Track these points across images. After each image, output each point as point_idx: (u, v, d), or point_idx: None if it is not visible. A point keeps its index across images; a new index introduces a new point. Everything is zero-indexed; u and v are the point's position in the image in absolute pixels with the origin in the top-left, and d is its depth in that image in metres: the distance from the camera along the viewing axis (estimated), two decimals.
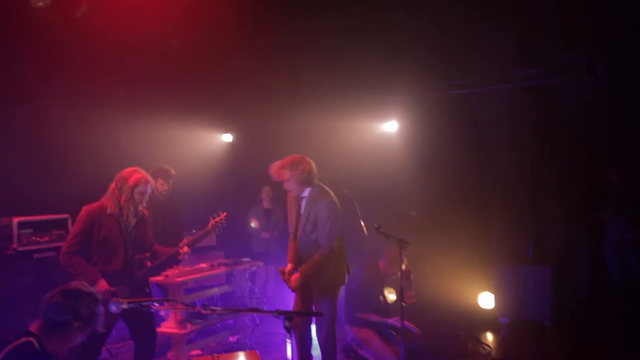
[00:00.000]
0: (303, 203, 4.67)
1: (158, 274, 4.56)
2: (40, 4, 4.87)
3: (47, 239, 5.06)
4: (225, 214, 4.78)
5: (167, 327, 5.35)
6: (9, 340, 2.44)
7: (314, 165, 4.67)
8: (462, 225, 6.87)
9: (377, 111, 7.62)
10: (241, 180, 8.11)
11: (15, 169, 5.55)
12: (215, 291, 6.09)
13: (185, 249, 4.48)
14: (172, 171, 5.87)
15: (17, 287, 4.69)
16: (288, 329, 2.38)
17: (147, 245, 4.36)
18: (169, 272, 5.29)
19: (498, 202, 7.03)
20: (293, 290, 4.48)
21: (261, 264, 6.51)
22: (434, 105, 7.32)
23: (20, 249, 4.79)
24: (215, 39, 6.25)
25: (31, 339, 2.44)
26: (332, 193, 4.69)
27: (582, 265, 6.67)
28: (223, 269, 5.82)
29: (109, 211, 4.06)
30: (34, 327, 2.52)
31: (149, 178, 4.21)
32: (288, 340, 2.39)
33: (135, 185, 4.10)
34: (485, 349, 5.86)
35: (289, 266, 4.65)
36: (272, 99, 7.62)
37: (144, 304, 2.43)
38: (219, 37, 6.23)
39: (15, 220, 4.86)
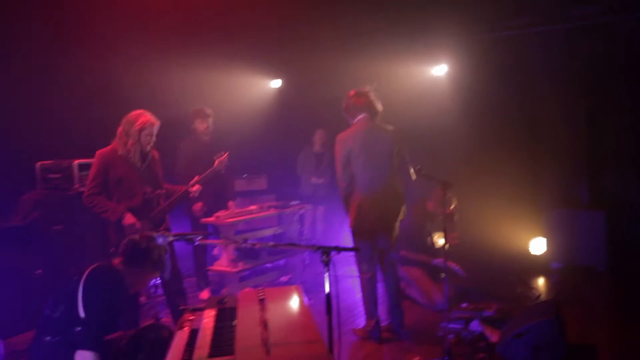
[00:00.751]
0: None
1: (171, 211, 4.72)
2: None
3: None
4: (227, 153, 4.89)
5: (220, 265, 5.59)
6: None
7: (353, 103, 4.76)
8: (513, 169, 6.72)
9: (426, 55, 7.40)
10: (289, 126, 8.16)
11: (73, 114, 5.80)
12: (266, 232, 6.26)
13: (196, 187, 4.61)
14: (207, 110, 5.92)
15: (80, 224, 4.97)
16: (326, 263, 2.45)
17: (161, 184, 4.53)
18: (220, 213, 5.47)
19: (551, 144, 6.78)
20: None
21: (309, 206, 6.62)
22: (486, 48, 7.02)
23: (81, 189, 5.03)
24: None
25: (114, 262, 2.67)
26: (353, 129, 4.67)
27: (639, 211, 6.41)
28: (273, 211, 5.96)
29: (119, 153, 4.23)
30: (115, 261, 2.74)
31: (155, 120, 4.30)
32: (326, 275, 2.44)
33: (142, 128, 4.22)
34: (534, 293, 5.81)
35: None
36: (321, 44, 7.52)
37: (188, 236, 2.54)
38: None
39: (76, 162, 5.09)
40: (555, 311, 4.05)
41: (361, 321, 4.93)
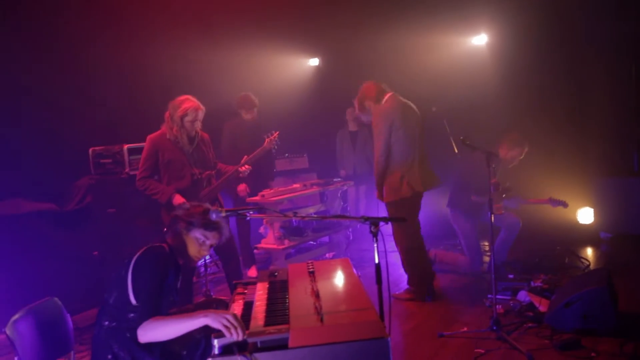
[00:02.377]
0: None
1: (222, 190, 4.85)
2: None
3: None
4: (277, 132, 4.98)
5: (267, 243, 5.73)
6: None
7: (375, 87, 4.84)
8: (560, 138, 6.58)
9: (465, 24, 7.27)
10: (328, 104, 8.18)
11: (122, 103, 5.99)
12: (309, 210, 6.36)
13: (246, 167, 4.69)
14: (255, 100, 5.97)
15: (132, 207, 5.16)
16: (374, 234, 2.50)
17: (211, 165, 4.64)
18: (265, 192, 5.59)
19: (599, 111, 6.58)
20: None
21: (352, 183, 6.66)
22: (527, 14, 6.83)
23: (132, 172, 5.22)
24: None
25: (164, 244, 2.76)
26: (391, 103, 4.75)
27: None
28: (315, 189, 6.04)
29: (167, 137, 4.37)
30: (169, 239, 2.84)
31: (199, 106, 4.37)
32: (375, 245, 2.50)
33: (184, 114, 4.31)
34: (583, 263, 5.74)
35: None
36: (358, 20, 7.50)
37: (240, 212, 2.62)
38: None
39: (126, 147, 5.27)
40: (606, 280, 4.02)
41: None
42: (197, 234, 2.78)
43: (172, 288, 2.80)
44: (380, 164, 4.70)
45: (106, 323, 2.60)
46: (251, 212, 2.63)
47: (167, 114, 4.41)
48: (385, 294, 2.43)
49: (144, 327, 2.40)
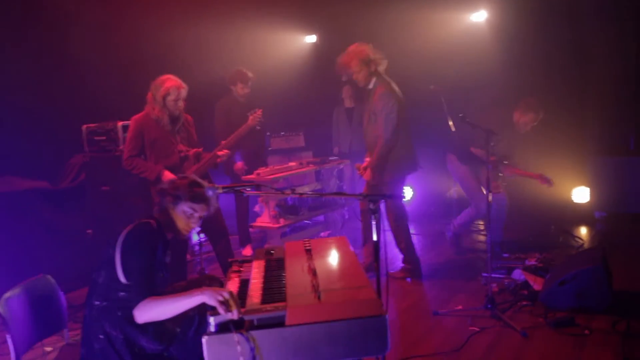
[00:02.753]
0: (369, 96, 4.81)
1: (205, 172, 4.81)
2: None
3: None
4: (260, 110, 4.91)
5: (262, 221, 5.71)
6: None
7: (374, 54, 4.73)
8: (557, 117, 6.51)
9: (463, 0, 7.17)
10: (325, 82, 8.09)
11: (115, 80, 5.90)
12: (305, 189, 6.33)
13: (225, 151, 4.62)
14: (250, 74, 5.86)
15: (126, 184, 5.10)
16: (373, 211, 2.47)
17: (196, 144, 4.60)
18: (261, 170, 5.55)
19: (595, 91, 6.54)
20: (365, 178, 4.85)
21: (348, 162, 6.62)
22: None
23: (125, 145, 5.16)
24: None
25: (151, 220, 2.71)
26: (391, 84, 4.72)
27: None
28: (311, 167, 6.01)
29: (151, 116, 4.32)
30: (157, 214, 2.79)
31: (181, 85, 4.30)
32: (373, 221, 2.47)
33: (167, 94, 4.26)
34: (577, 242, 5.76)
35: (365, 161, 4.86)
36: None
37: (237, 188, 2.59)
38: None
39: (120, 124, 5.21)
40: (600, 258, 4.03)
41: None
42: (185, 207, 2.74)
43: (161, 264, 2.76)
44: (391, 144, 4.65)
45: (97, 303, 2.57)
46: (248, 189, 2.59)
47: (149, 95, 4.36)
48: (382, 272, 2.42)
49: (140, 308, 2.37)
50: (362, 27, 7.76)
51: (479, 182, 5.31)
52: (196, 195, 2.74)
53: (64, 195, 5.57)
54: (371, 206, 2.46)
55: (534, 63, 6.78)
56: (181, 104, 4.38)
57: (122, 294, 2.53)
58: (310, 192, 2.22)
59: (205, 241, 5.97)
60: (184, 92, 4.35)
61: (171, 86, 4.27)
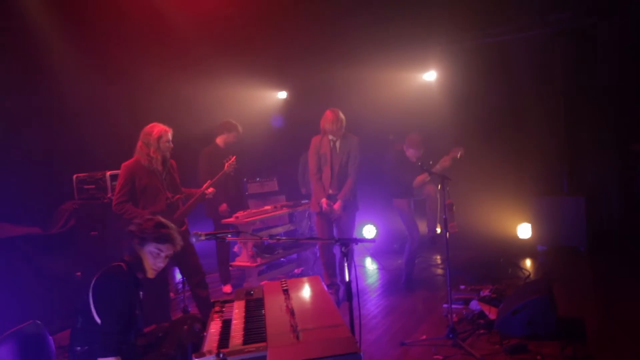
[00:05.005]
0: (338, 144, 5.09)
1: (190, 213, 4.73)
2: None
3: None
4: (234, 157, 4.91)
5: (241, 261, 5.57)
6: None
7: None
8: (500, 162, 6.69)
9: (416, 63, 7.39)
10: (296, 132, 8.13)
11: (104, 130, 5.80)
12: (279, 230, 6.25)
13: (210, 189, 4.62)
14: (240, 128, 5.88)
15: (113, 230, 4.93)
16: (344, 254, 2.42)
17: (179, 189, 4.53)
18: (239, 214, 5.46)
19: (534, 139, 6.74)
20: (338, 212, 5.00)
21: None
22: (470, 54, 7.01)
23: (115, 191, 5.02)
24: (268, 10, 6.37)
25: (122, 263, 2.60)
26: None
27: (615, 195, 6.36)
28: (285, 210, 5.95)
29: (142, 163, 4.25)
30: (126, 256, 2.68)
31: (168, 128, 4.33)
32: (345, 263, 2.41)
33: (159, 136, 4.24)
34: (524, 273, 5.79)
35: (324, 200, 5.03)
36: (322, 59, 7.54)
37: (219, 235, 2.51)
38: (270, 9, 6.36)
39: (108, 173, 5.07)
40: (547, 289, 4.04)
41: (369, 305, 4.96)
42: (151, 247, 2.67)
43: (134, 302, 2.64)
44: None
45: (78, 348, 2.44)
46: (229, 235, 2.51)
47: (139, 143, 4.29)
48: (355, 311, 2.35)
49: None
50: (327, 85, 7.92)
51: (413, 214, 5.43)
52: (162, 236, 2.67)
53: (55, 240, 5.34)
54: (343, 249, 2.41)
55: (478, 115, 6.97)
56: (171, 145, 4.35)
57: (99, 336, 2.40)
58: (283, 238, 2.16)
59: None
60: (171, 135, 4.35)
61: (162, 130, 4.28)
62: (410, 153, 5.34)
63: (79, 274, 5.24)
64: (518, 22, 6.59)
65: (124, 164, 4.31)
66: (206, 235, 2.49)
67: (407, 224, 5.42)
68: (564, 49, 6.44)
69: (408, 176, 5.31)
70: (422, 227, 5.57)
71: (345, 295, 2.41)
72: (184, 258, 4.26)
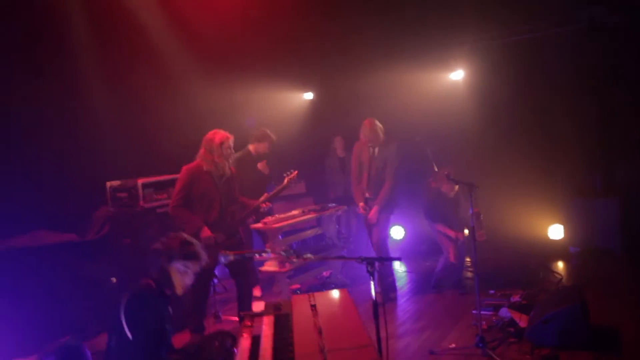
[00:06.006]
0: (376, 150, 5.31)
1: (244, 223, 4.81)
2: None
3: (165, 196, 5.33)
4: (296, 172, 4.98)
5: (270, 266, 5.62)
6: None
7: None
8: (531, 163, 6.56)
9: (444, 62, 7.27)
10: (322, 134, 8.15)
11: (135, 140, 5.93)
12: (308, 233, 6.29)
13: (267, 203, 4.69)
14: (274, 137, 5.94)
15: (146, 237, 5.05)
16: (370, 273, 2.43)
17: (235, 198, 4.56)
18: (267, 219, 5.50)
19: (566, 138, 6.57)
20: (372, 221, 5.24)
21: (345, 207, 6.57)
22: (499, 52, 6.85)
23: (146, 205, 5.12)
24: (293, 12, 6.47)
25: (150, 281, 2.67)
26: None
27: None
28: (313, 214, 5.96)
29: (205, 169, 4.29)
30: (155, 273, 2.75)
31: (230, 135, 4.39)
32: (371, 281, 2.43)
33: (222, 142, 4.31)
34: (556, 277, 5.69)
35: (361, 204, 5.33)
36: (349, 57, 7.52)
37: (247, 255, 2.55)
38: (297, 14, 6.54)
39: (140, 181, 5.17)
40: (578, 297, 3.96)
41: (398, 310, 4.97)
42: (178, 265, 2.72)
43: (164, 319, 2.70)
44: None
45: None
46: (256, 255, 2.55)
47: (202, 150, 4.36)
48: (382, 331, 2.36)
49: None
50: (354, 86, 7.89)
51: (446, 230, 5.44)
52: (188, 254, 2.73)
53: (90, 246, 5.50)
54: (368, 269, 2.42)
55: (508, 115, 6.84)
56: (232, 151, 4.42)
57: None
58: (313, 256, 2.19)
59: (217, 284, 5.90)
60: (232, 141, 4.42)
61: (223, 136, 4.36)
62: (446, 188, 5.37)
63: (114, 279, 5.40)
64: (548, 19, 6.42)
65: (186, 167, 4.34)
66: (234, 254, 2.53)
67: (443, 243, 5.50)
68: (596, 46, 6.24)
69: (446, 210, 5.43)
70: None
71: (372, 313, 2.42)
72: (240, 264, 4.33)
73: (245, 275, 4.55)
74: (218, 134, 4.34)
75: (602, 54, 6.20)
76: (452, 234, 5.37)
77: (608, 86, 6.28)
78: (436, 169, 6.01)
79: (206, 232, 4.20)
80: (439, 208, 5.43)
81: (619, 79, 6.19)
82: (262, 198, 4.69)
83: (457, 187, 5.34)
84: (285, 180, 4.89)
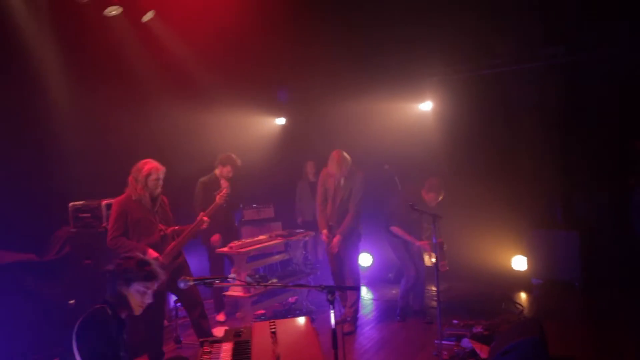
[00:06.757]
0: (342, 180, 5.35)
1: (185, 244, 4.78)
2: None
3: None
4: (225, 189, 4.98)
5: (235, 291, 5.56)
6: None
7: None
8: (495, 194, 6.71)
9: (413, 93, 7.47)
10: (293, 159, 8.21)
11: (100, 161, 5.86)
12: (275, 258, 6.26)
13: (206, 218, 4.65)
14: (238, 162, 5.95)
15: (107, 259, 4.93)
16: (330, 302, 2.45)
17: (172, 223, 4.59)
18: (234, 243, 5.47)
19: (528, 172, 6.77)
20: (334, 250, 5.27)
21: (313, 233, 6.57)
22: (466, 85, 7.11)
23: (109, 226, 5.04)
24: (267, 41, 6.63)
25: (104, 305, 2.61)
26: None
27: (610, 230, 6.38)
28: (280, 240, 5.94)
29: (133, 198, 4.30)
30: (109, 296, 2.70)
31: (160, 166, 4.36)
32: (332, 310, 2.45)
33: (148, 174, 4.30)
34: (518, 307, 5.79)
35: (324, 232, 5.36)
36: (321, 85, 7.66)
37: (207, 281, 2.54)
38: (270, 40, 6.61)
39: (104, 202, 5.10)
40: (538, 329, 4.03)
41: (362, 338, 4.95)
42: (139, 286, 2.67)
43: (118, 344, 2.64)
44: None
45: None
46: (217, 281, 2.54)
47: (130, 178, 4.36)
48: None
49: None
50: (325, 113, 8.01)
51: (408, 253, 5.49)
52: (147, 274, 2.69)
53: (49, 266, 5.36)
54: (328, 297, 2.44)
55: (472, 146, 7.03)
56: (160, 183, 4.38)
57: None
58: (276, 283, 2.19)
59: (180, 307, 5.80)
60: (162, 173, 4.39)
61: (152, 167, 4.31)
62: (430, 197, 5.36)
63: (72, 301, 5.25)
64: (512, 56, 6.70)
65: (116, 200, 4.37)
66: (194, 280, 2.52)
67: (401, 259, 5.49)
68: (557, 81, 6.53)
69: (410, 217, 5.39)
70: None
71: (332, 343, 2.43)
72: (184, 291, 4.29)
73: (192, 303, 4.54)
74: (147, 165, 4.32)
75: (562, 91, 6.47)
76: (408, 238, 5.35)
77: (568, 121, 6.54)
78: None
79: (152, 254, 4.21)
80: (403, 212, 5.33)
81: (577, 114, 6.46)
82: (199, 218, 4.64)
83: (440, 197, 5.34)
84: (217, 198, 4.88)
